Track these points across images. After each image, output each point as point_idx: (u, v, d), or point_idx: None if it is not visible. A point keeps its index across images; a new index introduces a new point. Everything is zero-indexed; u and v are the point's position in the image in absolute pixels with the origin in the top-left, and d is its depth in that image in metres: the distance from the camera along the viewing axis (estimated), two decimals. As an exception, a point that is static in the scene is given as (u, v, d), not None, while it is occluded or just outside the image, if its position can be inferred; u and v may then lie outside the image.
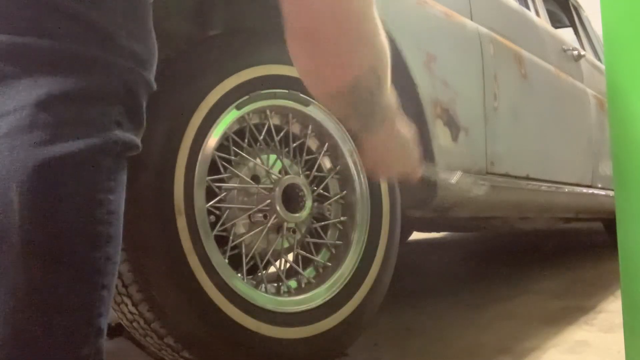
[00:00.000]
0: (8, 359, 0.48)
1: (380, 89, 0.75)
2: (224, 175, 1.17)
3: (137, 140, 0.60)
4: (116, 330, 1.17)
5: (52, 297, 0.50)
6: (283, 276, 1.25)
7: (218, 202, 1.15)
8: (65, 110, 0.52)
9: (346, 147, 1.35)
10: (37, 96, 0.51)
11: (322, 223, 1.33)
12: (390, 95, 0.78)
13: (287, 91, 1.26)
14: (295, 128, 1.32)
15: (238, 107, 1.18)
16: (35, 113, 0.50)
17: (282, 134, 1.28)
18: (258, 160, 1.22)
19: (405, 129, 0.88)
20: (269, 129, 1.26)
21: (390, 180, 1.38)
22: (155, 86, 0.62)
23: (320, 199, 1.32)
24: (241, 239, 1.18)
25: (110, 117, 0.55)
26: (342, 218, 1.35)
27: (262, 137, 1.25)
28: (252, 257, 1.20)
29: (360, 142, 0.86)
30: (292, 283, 1.27)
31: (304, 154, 1.31)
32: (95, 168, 0.53)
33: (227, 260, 1.13)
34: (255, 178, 1.22)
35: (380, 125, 0.80)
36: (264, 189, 1.20)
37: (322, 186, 1.32)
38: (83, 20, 0.54)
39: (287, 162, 1.26)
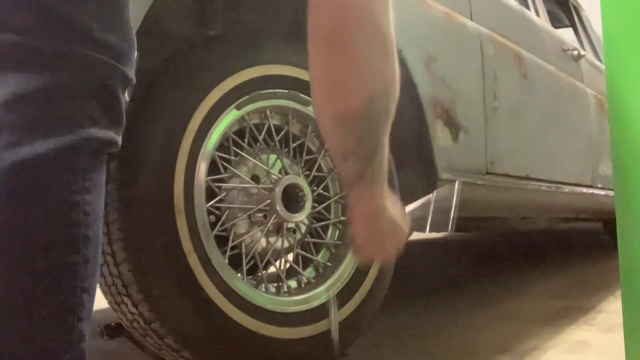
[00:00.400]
0: None
1: (388, 119, 0.72)
2: (224, 175, 1.17)
3: (116, 136, 0.56)
4: (116, 330, 1.17)
5: (30, 304, 0.49)
6: (283, 276, 1.25)
7: (218, 202, 1.15)
8: (34, 109, 0.49)
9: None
10: (4, 97, 0.48)
11: (322, 223, 1.33)
12: (387, 144, 0.74)
13: (287, 91, 1.26)
14: (295, 128, 1.32)
15: (238, 107, 1.18)
16: (2, 114, 0.48)
17: (282, 133, 1.28)
18: (258, 160, 1.22)
19: (393, 200, 0.82)
20: (268, 129, 1.26)
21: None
22: (134, 80, 0.59)
23: (320, 199, 1.32)
24: (241, 239, 1.17)
25: (83, 114, 0.52)
26: (342, 218, 1.35)
27: (262, 137, 1.25)
28: (252, 257, 1.20)
29: (351, 201, 0.78)
30: (292, 283, 1.27)
31: (304, 154, 1.31)
32: (67, 168, 0.51)
33: (227, 261, 1.13)
34: (255, 178, 1.22)
35: (377, 180, 0.75)
36: (264, 189, 1.20)
37: (322, 186, 1.32)
38: (52, 12, 0.51)
39: (287, 162, 1.26)
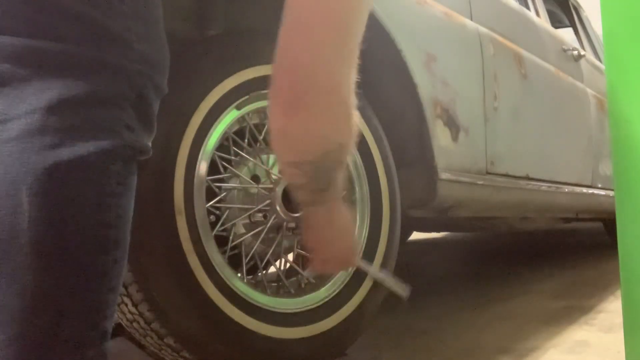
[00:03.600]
0: (13, 359, 0.49)
1: (342, 165, 0.73)
2: (224, 176, 1.17)
3: (148, 144, 0.59)
4: (116, 330, 1.17)
5: (59, 299, 0.50)
6: (283, 276, 1.25)
7: (218, 202, 1.15)
8: (75, 114, 0.52)
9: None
10: (47, 100, 0.51)
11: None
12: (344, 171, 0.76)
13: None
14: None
15: (238, 107, 1.18)
16: (46, 117, 0.50)
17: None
18: (258, 160, 1.22)
19: (347, 212, 0.84)
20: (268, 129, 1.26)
21: (392, 187, 1.37)
22: (166, 89, 0.62)
23: None
24: (241, 239, 1.17)
25: (121, 121, 0.55)
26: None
27: (262, 136, 1.25)
28: (252, 257, 1.20)
29: (305, 216, 0.81)
30: (292, 283, 1.27)
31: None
32: (104, 172, 0.53)
33: (226, 261, 1.13)
34: (255, 178, 1.22)
35: (331, 201, 0.77)
36: (264, 188, 1.20)
37: None
38: (92, 23, 0.54)
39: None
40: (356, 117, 0.69)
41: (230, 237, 1.16)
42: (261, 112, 1.25)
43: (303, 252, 1.29)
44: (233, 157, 1.19)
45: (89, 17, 0.53)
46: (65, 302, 0.51)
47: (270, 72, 0.65)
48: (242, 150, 1.20)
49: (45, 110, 0.50)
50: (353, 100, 0.67)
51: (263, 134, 1.25)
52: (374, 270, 1.32)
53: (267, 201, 1.18)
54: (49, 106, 0.51)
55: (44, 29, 0.52)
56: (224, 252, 1.13)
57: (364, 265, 1.29)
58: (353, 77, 0.66)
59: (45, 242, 0.50)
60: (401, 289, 1.26)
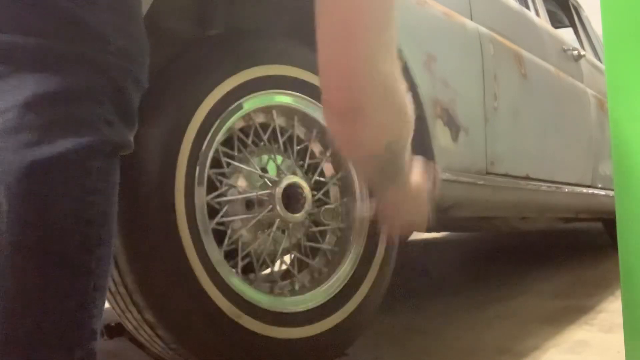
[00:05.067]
0: None
1: (408, 146, 0.74)
2: (226, 170, 1.17)
3: (129, 138, 0.58)
4: (116, 330, 1.17)
5: (43, 300, 0.50)
6: (289, 274, 1.25)
7: (219, 208, 1.15)
8: (53, 110, 0.51)
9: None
10: (24, 97, 0.50)
11: (321, 228, 1.32)
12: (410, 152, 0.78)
13: (290, 92, 1.25)
14: (299, 131, 1.32)
15: (240, 107, 1.18)
16: (23, 114, 0.49)
17: (286, 135, 1.28)
18: (257, 162, 1.22)
19: (419, 176, 0.85)
20: (272, 129, 1.25)
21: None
22: (147, 84, 0.61)
23: (320, 204, 1.32)
24: (238, 234, 1.17)
25: (100, 116, 0.54)
26: (340, 225, 1.35)
27: (266, 136, 1.24)
28: (252, 258, 1.20)
29: (379, 200, 0.85)
30: (294, 284, 1.27)
31: (307, 158, 1.31)
32: (84, 169, 0.52)
33: (223, 258, 1.13)
34: (256, 178, 1.21)
35: (401, 186, 0.79)
36: (265, 190, 1.20)
37: (322, 191, 1.31)
38: (69, 16, 0.52)
39: (288, 162, 1.26)
40: (409, 102, 0.69)
41: (228, 232, 1.16)
42: (267, 112, 1.25)
43: (299, 255, 1.28)
44: (236, 153, 1.19)
45: (65, 10, 0.52)
46: (50, 302, 0.50)
47: (321, 86, 0.65)
48: (240, 152, 1.20)
49: (21, 108, 0.49)
50: (403, 87, 0.68)
51: (268, 133, 1.24)
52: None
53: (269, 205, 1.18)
54: (25, 103, 0.49)
55: (19, 24, 0.51)
56: (226, 256, 1.13)
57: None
58: (397, 63, 0.66)
59: (26, 243, 0.49)
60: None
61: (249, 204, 1.19)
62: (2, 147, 0.49)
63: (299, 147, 1.30)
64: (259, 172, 1.20)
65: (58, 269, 0.50)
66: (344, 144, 0.71)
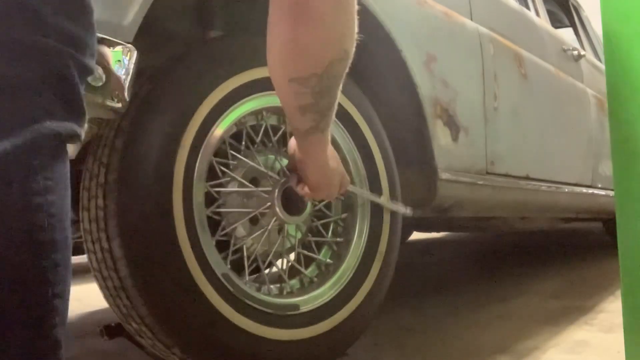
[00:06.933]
0: None
1: (342, 78, 0.75)
2: (223, 180, 1.17)
3: (76, 127, 0.52)
4: (116, 330, 1.17)
5: (1, 312, 0.46)
6: (285, 276, 1.25)
7: (217, 207, 1.14)
8: None
9: (346, 148, 1.34)
10: None
11: (324, 221, 1.32)
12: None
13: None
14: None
15: (236, 110, 1.17)
16: None
17: (279, 133, 1.28)
18: (255, 162, 1.22)
19: (334, 161, 0.98)
20: (265, 130, 1.25)
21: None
22: (94, 69, 0.56)
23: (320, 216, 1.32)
24: (240, 240, 1.17)
25: (39, 107, 0.48)
26: (343, 215, 1.35)
27: (259, 138, 1.24)
28: (253, 259, 1.20)
29: (303, 150, 0.91)
30: (295, 283, 1.27)
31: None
32: (27, 168, 0.47)
33: (224, 261, 1.12)
34: (255, 180, 1.21)
35: (327, 130, 0.83)
36: (263, 191, 1.20)
37: (323, 203, 1.31)
38: None
39: (285, 162, 1.26)
40: (356, 27, 0.71)
41: (224, 231, 1.15)
42: (257, 113, 1.25)
43: (305, 252, 1.28)
44: (234, 158, 1.19)
45: None
46: (8, 314, 0.46)
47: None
48: (239, 153, 1.20)
49: None
50: (355, 8, 0.68)
51: (260, 135, 1.24)
52: (368, 193, 1.33)
53: (267, 204, 1.17)
54: None
55: None
56: (224, 257, 1.13)
57: (357, 190, 1.30)
58: None
59: None
60: (403, 208, 1.30)
61: (250, 205, 1.19)
62: None
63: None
64: (262, 168, 1.19)
65: (11, 282, 0.47)
66: (290, 50, 0.68)
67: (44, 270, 0.48)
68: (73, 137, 0.52)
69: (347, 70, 0.75)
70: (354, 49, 0.72)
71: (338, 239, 1.34)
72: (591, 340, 1.56)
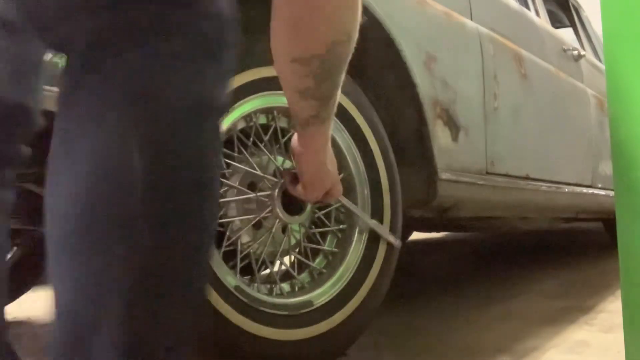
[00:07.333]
0: (131, 332, 0.49)
1: (346, 64, 0.74)
2: (225, 172, 1.17)
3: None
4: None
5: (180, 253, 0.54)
6: (277, 278, 1.25)
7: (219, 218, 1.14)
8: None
9: (347, 148, 1.34)
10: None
11: (321, 229, 1.32)
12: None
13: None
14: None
15: (241, 107, 1.17)
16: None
17: (279, 135, 1.28)
18: (256, 161, 1.22)
19: (331, 163, 0.97)
20: (256, 131, 1.25)
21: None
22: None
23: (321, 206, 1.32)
24: (246, 246, 1.17)
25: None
26: (341, 226, 1.35)
27: (267, 137, 1.24)
28: (247, 257, 1.19)
29: (302, 141, 0.89)
30: (285, 286, 1.27)
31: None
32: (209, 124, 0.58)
33: (232, 272, 1.12)
34: (252, 185, 1.21)
35: (328, 120, 0.81)
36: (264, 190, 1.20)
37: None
38: None
39: (289, 163, 1.26)
40: (360, 9, 0.70)
41: (227, 232, 1.15)
42: (265, 112, 1.25)
43: (299, 257, 1.28)
44: (236, 155, 1.19)
45: None
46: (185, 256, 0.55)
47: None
48: (233, 160, 1.19)
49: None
50: None
51: (269, 134, 1.24)
52: (359, 210, 1.32)
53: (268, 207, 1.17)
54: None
55: None
56: (225, 257, 1.13)
57: (348, 203, 1.30)
58: None
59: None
60: (392, 238, 1.30)
61: (250, 205, 1.19)
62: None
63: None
64: (259, 172, 1.19)
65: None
66: (291, 28, 0.69)
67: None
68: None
69: (349, 56, 0.74)
70: (357, 34, 0.71)
71: (342, 226, 1.34)
72: (591, 340, 1.56)
